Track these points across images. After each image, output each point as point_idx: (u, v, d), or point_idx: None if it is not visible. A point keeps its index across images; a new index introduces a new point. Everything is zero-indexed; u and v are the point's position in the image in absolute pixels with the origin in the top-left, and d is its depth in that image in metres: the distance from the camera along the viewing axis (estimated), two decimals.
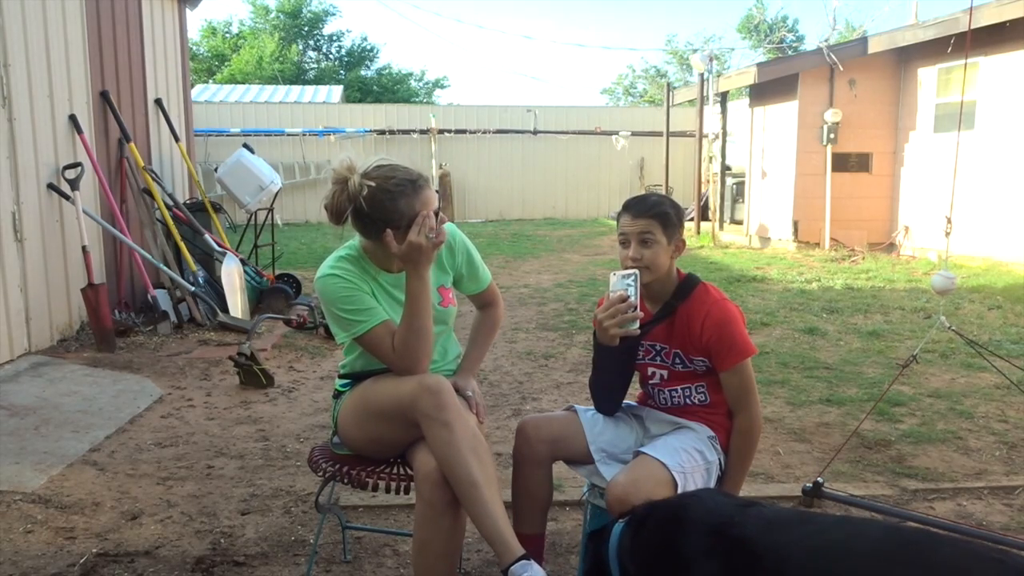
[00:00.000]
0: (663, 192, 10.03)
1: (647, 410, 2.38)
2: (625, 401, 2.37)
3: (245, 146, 7.64)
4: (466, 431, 2.03)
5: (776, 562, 1.34)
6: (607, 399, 2.32)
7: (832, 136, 10.58)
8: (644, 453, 2.13)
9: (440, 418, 2.03)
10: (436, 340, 2.29)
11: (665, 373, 2.29)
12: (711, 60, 13.17)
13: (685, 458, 2.11)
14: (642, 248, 2.16)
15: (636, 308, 2.08)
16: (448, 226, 2.36)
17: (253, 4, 30.42)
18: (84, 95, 5.89)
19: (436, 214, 2.17)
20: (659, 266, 2.17)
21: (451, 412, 2.04)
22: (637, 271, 2.12)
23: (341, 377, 2.41)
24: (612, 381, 2.29)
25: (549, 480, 2.32)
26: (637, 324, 2.10)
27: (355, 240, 2.31)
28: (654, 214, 2.16)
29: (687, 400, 2.28)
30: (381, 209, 2.13)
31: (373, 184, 2.12)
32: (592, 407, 2.37)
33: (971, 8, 6.15)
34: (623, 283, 2.10)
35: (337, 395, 2.40)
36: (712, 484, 2.18)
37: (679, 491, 2.05)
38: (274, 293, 6.76)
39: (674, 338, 2.23)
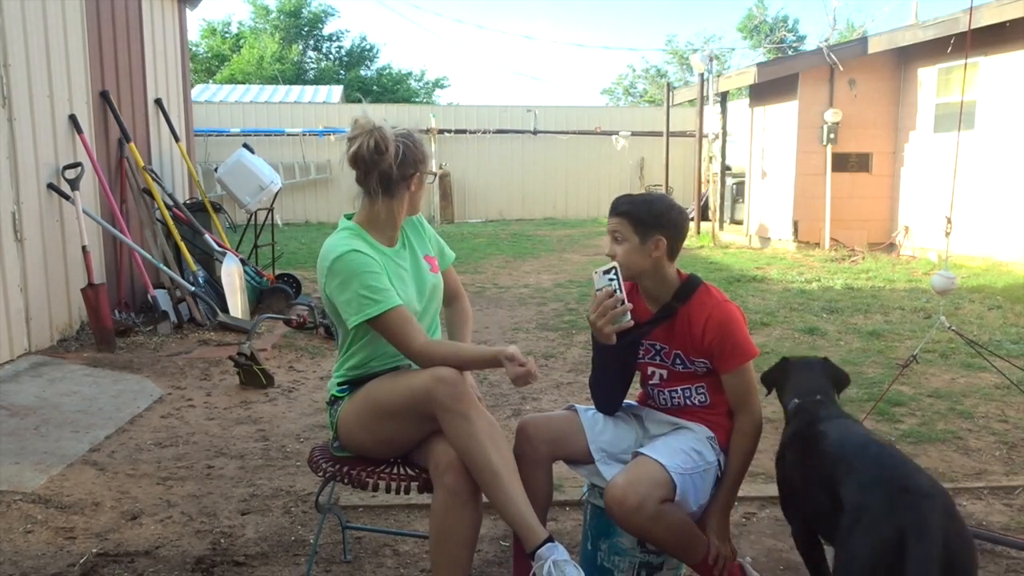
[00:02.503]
0: (663, 192, 10.02)
1: (647, 410, 2.38)
2: (625, 401, 2.38)
3: (245, 146, 7.64)
4: (483, 421, 2.06)
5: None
6: (607, 399, 2.33)
7: (832, 136, 10.58)
8: (643, 454, 2.14)
9: (458, 409, 2.05)
10: (424, 317, 2.35)
11: (665, 373, 2.29)
12: (711, 60, 13.18)
13: (684, 459, 2.12)
14: (614, 245, 2.21)
15: (624, 301, 2.10)
16: (418, 218, 2.46)
17: (253, 4, 30.39)
18: (84, 95, 5.89)
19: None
20: (631, 264, 2.18)
21: (469, 402, 2.07)
22: (616, 264, 2.15)
23: (339, 385, 2.35)
24: (612, 380, 2.30)
25: (549, 480, 2.32)
26: (628, 315, 2.12)
27: (348, 221, 2.33)
28: (620, 212, 2.21)
29: (687, 401, 2.28)
30: (412, 150, 2.26)
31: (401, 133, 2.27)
32: (592, 407, 2.37)
33: (971, 8, 6.13)
34: (604, 280, 2.14)
35: (334, 401, 2.35)
36: (711, 485, 2.19)
37: (677, 492, 2.07)
38: (274, 293, 6.76)
39: (674, 339, 2.23)
